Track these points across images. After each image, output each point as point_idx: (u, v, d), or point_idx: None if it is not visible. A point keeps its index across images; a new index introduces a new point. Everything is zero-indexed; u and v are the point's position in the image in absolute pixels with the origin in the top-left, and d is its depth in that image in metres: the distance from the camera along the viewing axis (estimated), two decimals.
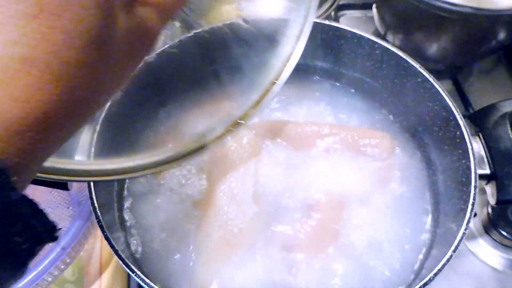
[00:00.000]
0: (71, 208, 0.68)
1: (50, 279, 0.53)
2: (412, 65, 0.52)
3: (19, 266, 0.19)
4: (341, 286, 0.48)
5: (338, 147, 0.55)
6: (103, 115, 0.48)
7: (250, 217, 0.50)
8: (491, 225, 0.63)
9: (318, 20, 0.56)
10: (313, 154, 0.56)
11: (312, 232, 0.49)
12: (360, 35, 0.55)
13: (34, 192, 0.69)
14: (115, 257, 0.40)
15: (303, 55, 0.61)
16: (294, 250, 0.48)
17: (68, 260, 0.54)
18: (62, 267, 0.54)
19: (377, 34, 0.84)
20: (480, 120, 0.49)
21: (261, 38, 0.58)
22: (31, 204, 0.19)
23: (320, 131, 0.56)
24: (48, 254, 0.50)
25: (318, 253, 0.48)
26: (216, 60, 0.61)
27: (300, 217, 0.51)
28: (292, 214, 0.51)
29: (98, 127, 0.47)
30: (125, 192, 0.55)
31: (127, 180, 0.56)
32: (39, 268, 0.49)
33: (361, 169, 0.55)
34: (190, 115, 0.60)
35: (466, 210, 0.42)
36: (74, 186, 0.67)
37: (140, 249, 0.50)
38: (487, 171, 0.46)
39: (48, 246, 0.63)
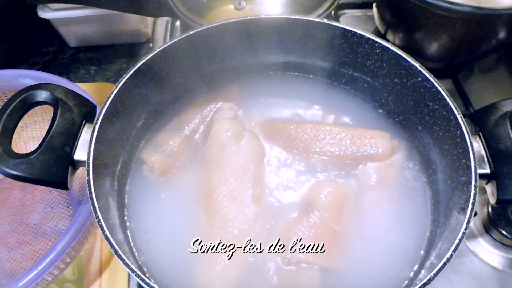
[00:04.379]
0: (71, 207, 0.68)
1: (50, 278, 0.53)
2: (412, 64, 0.52)
3: None
4: (341, 286, 0.48)
5: (338, 147, 0.55)
6: (102, 114, 0.48)
7: (250, 218, 0.50)
8: (492, 225, 0.63)
9: (318, 20, 0.56)
10: (313, 154, 0.56)
11: (312, 233, 0.49)
12: (360, 34, 0.55)
13: (34, 192, 0.69)
14: (115, 257, 0.40)
15: (303, 55, 0.61)
16: (294, 250, 0.48)
17: (68, 260, 0.54)
18: (62, 266, 0.54)
19: (377, 33, 0.84)
20: (480, 120, 0.49)
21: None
22: None
23: (320, 131, 0.56)
24: (48, 254, 0.50)
25: (319, 254, 0.48)
26: (216, 59, 0.61)
27: (300, 218, 0.50)
28: (292, 215, 0.51)
29: (97, 126, 0.47)
30: (126, 192, 0.55)
31: (127, 180, 0.56)
32: (39, 268, 0.49)
33: (361, 169, 0.55)
34: (189, 115, 0.60)
35: (466, 210, 0.42)
36: (74, 186, 0.68)
37: (140, 249, 0.50)
38: (487, 170, 0.46)
39: (48, 245, 0.63)
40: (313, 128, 0.57)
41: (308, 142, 0.56)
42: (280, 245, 0.49)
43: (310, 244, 0.48)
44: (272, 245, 0.49)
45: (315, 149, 0.56)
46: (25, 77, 0.65)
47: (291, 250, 0.48)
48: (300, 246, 0.48)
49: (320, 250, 0.48)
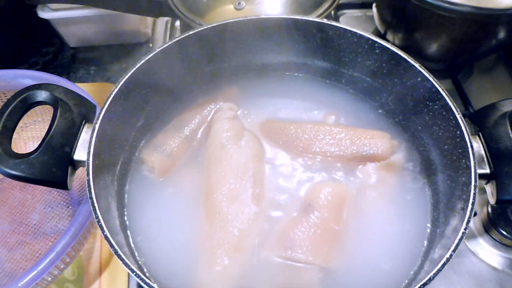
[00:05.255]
0: (71, 207, 0.68)
1: (50, 278, 0.53)
2: (412, 65, 0.52)
3: None
4: (340, 286, 0.48)
5: (337, 147, 0.55)
6: (102, 114, 0.47)
7: (250, 218, 0.50)
8: (491, 225, 0.63)
9: (318, 20, 0.56)
10: (313, 155, 0.56)
11: (312, 233, 0.49)
12: (360, 35, 0.55)
13: (34, 192, 0.69)
14: (115, 257, 0.40)
15: (303, 55, 0.61)
16: (294, 250, 0.48)
17: (68, 260, 0.54)
18: (62, 266, 0.54)
19: (377, 33, 0.84)
20: (480, 120, 0.49)
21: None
22: None
23: (320, 131, 0.56)
24: (48, 254, 0.50)
25: (318, 254, 0.48)
26: (215, 59, 0.61)
27: (299, 218, 0.50)
28: (291, 215, 0.51)
29: (97, 126, 0.47)
30: (125, 192, 0.55)
31: (127, 180, 0.56)
32: (39, 268, 0.49)
33: (360, 169, 0.55)
34: (189, 115, 0.60)
35: (466, 210, 0.42)
36: (74, 186, 0.68)
37: (140, 249, 0.50)
38: (487, 170, 0.46)
39: (48, 245, 0.63)
40: (313, 128, 0.57)
41: (308, 142, 0.56)
42: (280, 245, 0.49)
43: (310, 245, 0.48)
44: (272, 245, 0.49)
45: (315, 149, 0.56)
46: (25, 77, 0.65)
47: (291, 250, 0.48)
48: (300, 246, 0.48)
49: (320, 250, 0.48)
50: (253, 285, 0.47)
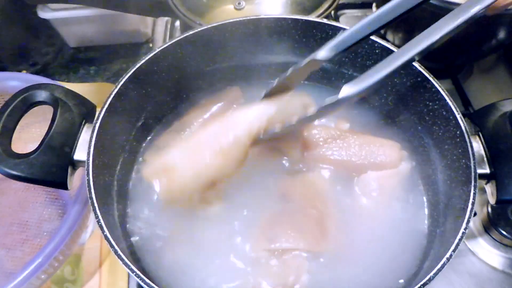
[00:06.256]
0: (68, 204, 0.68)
1: (43, 276, 0.53)
2: (412, 65, 0.52)
3: None
4: (338, 285, 0.48)
5: (345, 151, 0.54)
6: (102, 114, 0.47)
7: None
8: (491, 225, 0.63)
9: (318, 20, 0.56)
10: (315, 157, 0.55)
11: (293, 220, 0.49)
12: None
13: (34, 192, 0.69)
14: (115, 257, 0.40)
15: (303, 55, 0.61)
16: (279, 241, 0.48)
17: (61, 258, 0.54)
18: (56, 265, 0.54)
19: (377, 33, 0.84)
20: (480, 120, 0.49)
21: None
22: None
23: (327, 136, 0.55)
24: (43, 251, 0.50)
25: (304, 239, 0.48)
26: (216, 59, 0.61)
27: (278, 209, 0.51)
28: (272, 207, 0.52)
29: (97, 126, 0.47)
30: (125, 192, 0.55)
31: (128, 180, 0.56)
32: (35, 264, 0.49)
33: (362, 177, 0.54)
34: (191, 116, 0.60)
35: (466, 210, 0.42)
36: (74, 186, 0.67)
37: (140, 248, 0.50)
38: (487, 170, 0.46)
39: (45, 243, 0.63)
40: (321, 132, 0.56)
41: (315, 145, 0.55)
42: (263, 238, 0.48)
43: (292, 231, 0.48)
44: (255, 240, 0.49)
45: (318, 152, 0.55)
46: (13, 79, 0.65)
47: (275, 241, 0.48)
48: (284, 235, 0.48)
49: (305, 235, 0.48)
50: (244, 282, 0.47)
